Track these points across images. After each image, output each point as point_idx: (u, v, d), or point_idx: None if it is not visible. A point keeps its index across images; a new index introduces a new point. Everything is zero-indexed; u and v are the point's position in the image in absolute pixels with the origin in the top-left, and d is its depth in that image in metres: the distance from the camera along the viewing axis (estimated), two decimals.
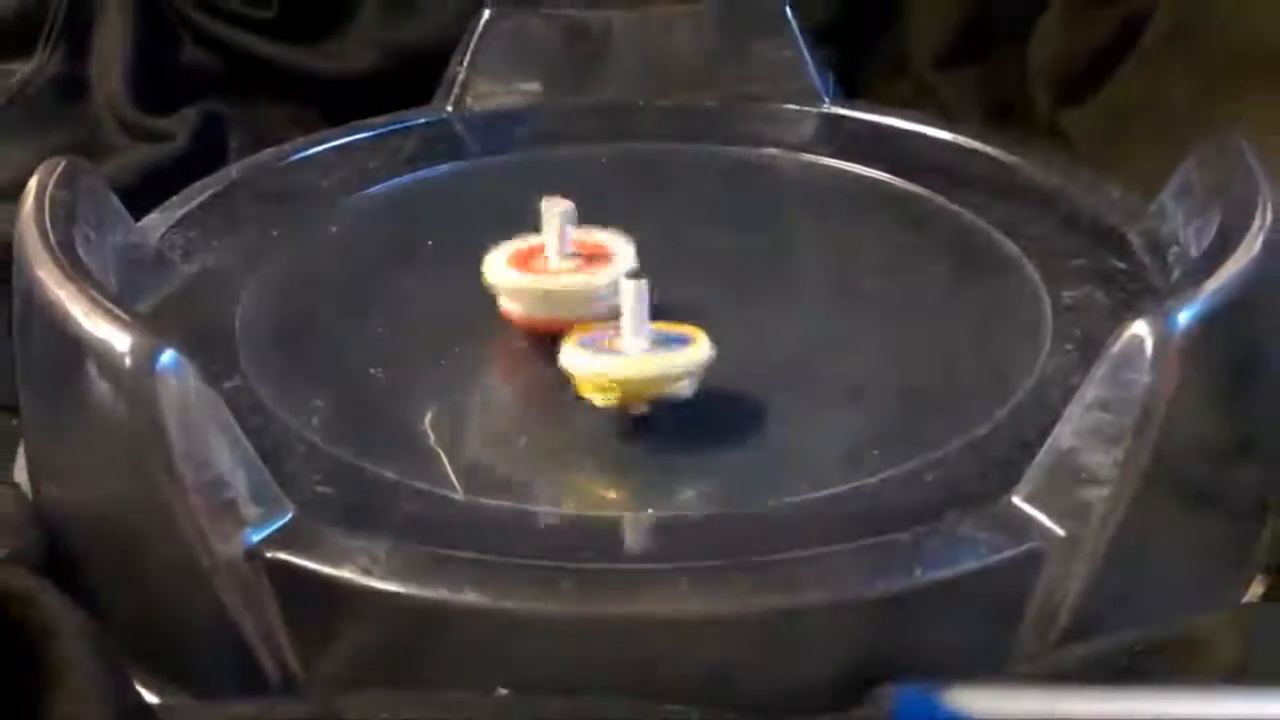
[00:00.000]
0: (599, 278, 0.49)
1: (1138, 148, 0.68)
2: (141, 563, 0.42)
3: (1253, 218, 0.45)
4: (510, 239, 0.51)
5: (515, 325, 0.50)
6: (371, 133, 0.66)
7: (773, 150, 0.64)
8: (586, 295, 0.49)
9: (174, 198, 0.59)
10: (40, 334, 0.44)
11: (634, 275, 0.47)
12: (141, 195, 0.59)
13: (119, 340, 0.39)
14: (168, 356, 0.39)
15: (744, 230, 0.57)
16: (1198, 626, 0.39)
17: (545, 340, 0.48)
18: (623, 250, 0.50)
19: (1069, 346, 0.49)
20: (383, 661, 0.39)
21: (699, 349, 0.46)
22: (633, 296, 0.45)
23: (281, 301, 0.53)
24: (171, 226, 0.57)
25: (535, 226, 0.51)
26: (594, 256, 0.50)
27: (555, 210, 0.50)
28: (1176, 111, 0.68)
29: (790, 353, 0.50)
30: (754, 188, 0.62)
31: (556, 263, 0.49)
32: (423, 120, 0.67)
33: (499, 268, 0.50)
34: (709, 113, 0.68)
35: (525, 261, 0.50)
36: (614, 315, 0.46)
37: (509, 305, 0.50)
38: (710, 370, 0.46)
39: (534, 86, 0.69)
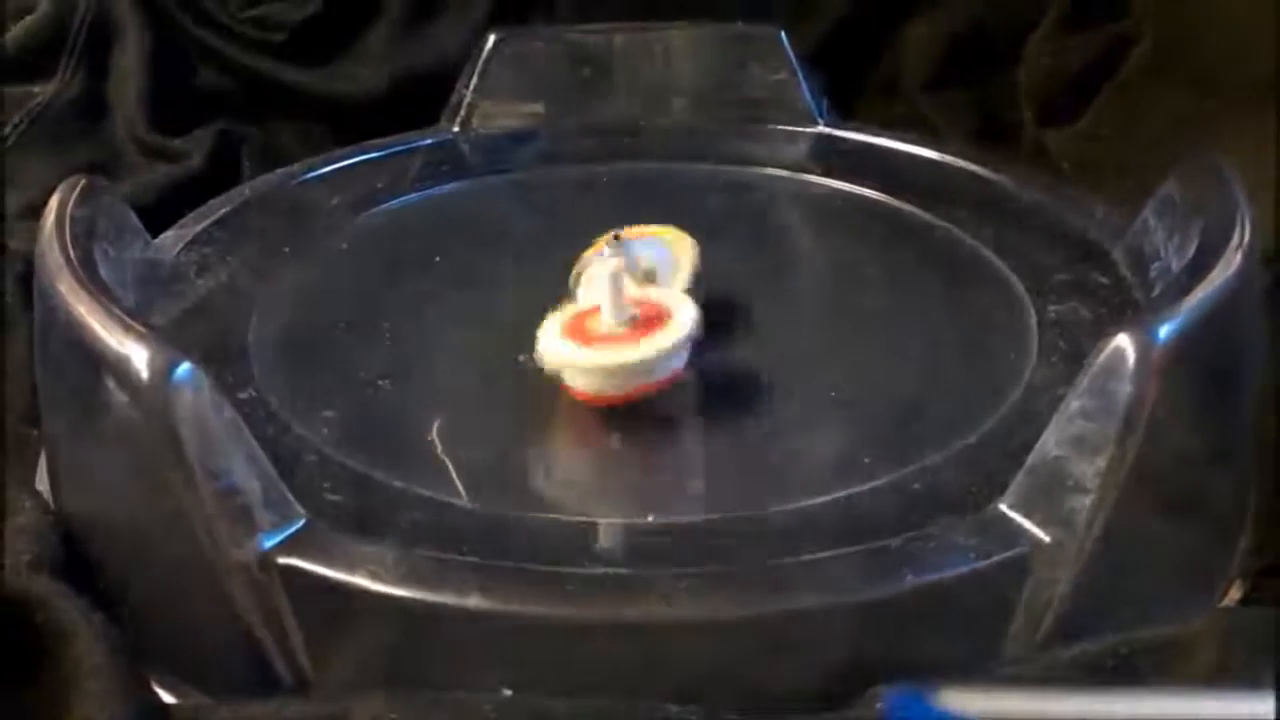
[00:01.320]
0: (660, 343, 0.45)
1: (1120, 168, 0.68)
2: (158, 568, 0.42)
3: (1232, 234, 0.45)
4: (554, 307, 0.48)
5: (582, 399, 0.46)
6: (380, 153, 0.66)
7: (768, 169, 0.65)
8: (650, 366, 0.46)
9: (189, 215, 0.60)
10: (60, 347, 0.44)
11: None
12: (158, 213, 0.59)
13: (137, 353, 0.40)
14: (184, 369, 0.39)
15: (740, 246, 0.58)
16: (1179, 630, 0.39)
17: None
18: (683, 310, 0.47)
19: (1054, 359, 0.49)
20: (391, 663, 0.39)
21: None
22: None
23: (293, 316, 0.53)
24: (187, 243, 0.57)
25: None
26: (651, 319, 0.47)
27: (607, 269, 0.46)
28: (1158, 133, 0.68)
29: (784, 365, 0.50)
30: (750, 205, 0.62)
31: (610, 327, 0.46)
32: (429, 141, 0.68)
33: (556, 343, 0.46)
34: (707, 133, 0.68)
35: (580, 329, 0.46)
36: (676, 378, 0.46)
37: (574, 382, 0.46)
38: (707, 380, 0.46)
39: (538, 108, 0.69)
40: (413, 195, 0.63)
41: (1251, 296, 0.46)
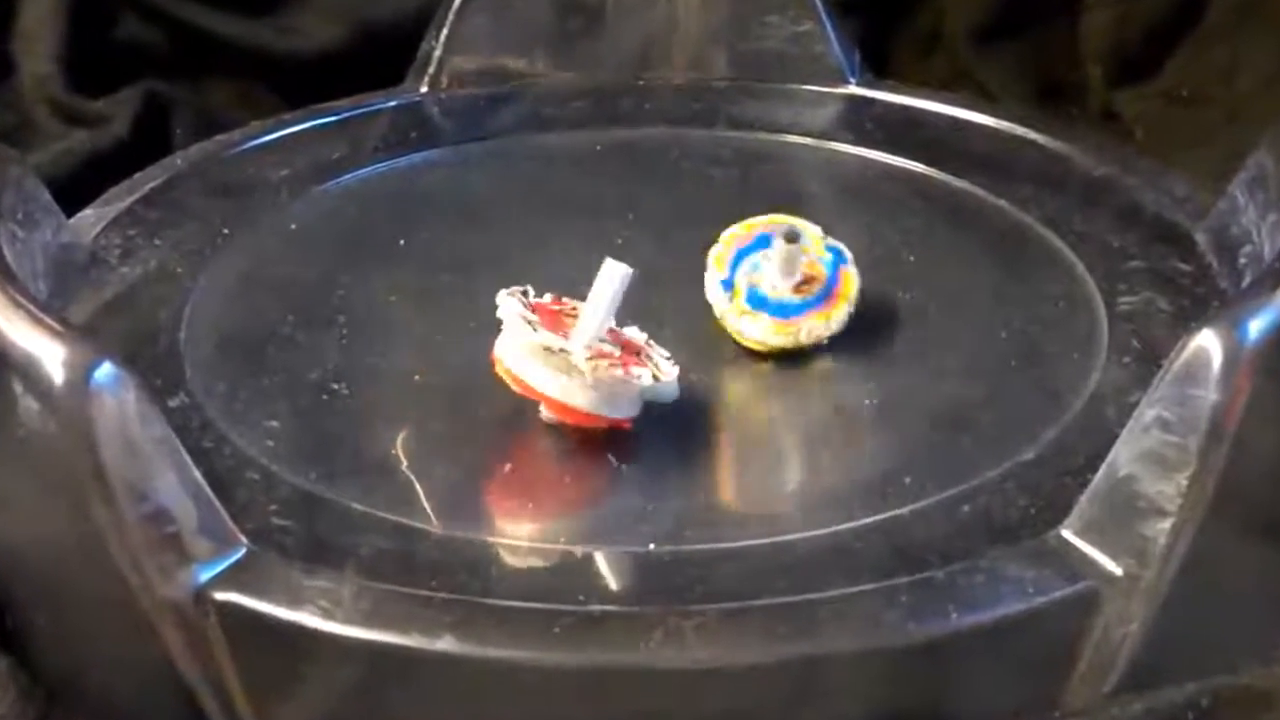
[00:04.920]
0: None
1: (1203, 134, 0.68)
2: (75, 604, 0.42)
3: None
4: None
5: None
6: (335, 117, 0.66)
7: (790, 137, 0.65)
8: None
9: (111, 190, 0.60)
10: None
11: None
12: (75, 188, 0.59)
13: (49, 352, 0.40)
14: (104, 371, 0.39)
15: None
16: (1270, 677, 0.39)
17: None
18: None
19: (1126, 359, 0.49)
20: (346, 714, 0.39)
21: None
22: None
23: (233, 308, 0.53)
24: (108, 223, 0.57)
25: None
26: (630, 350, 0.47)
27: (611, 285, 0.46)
28: (1246, 93, 0.68)
29: (811, 367, 0.51)
30: (768, 179, 0.62)
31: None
32: (394, 103, 0.68)
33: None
34: (717, 94, 0.68)
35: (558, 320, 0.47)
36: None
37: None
38: (719, 385, 0.46)
39: (519, 64, 0.69)
40: (373, 167, 0.63)
41: None
